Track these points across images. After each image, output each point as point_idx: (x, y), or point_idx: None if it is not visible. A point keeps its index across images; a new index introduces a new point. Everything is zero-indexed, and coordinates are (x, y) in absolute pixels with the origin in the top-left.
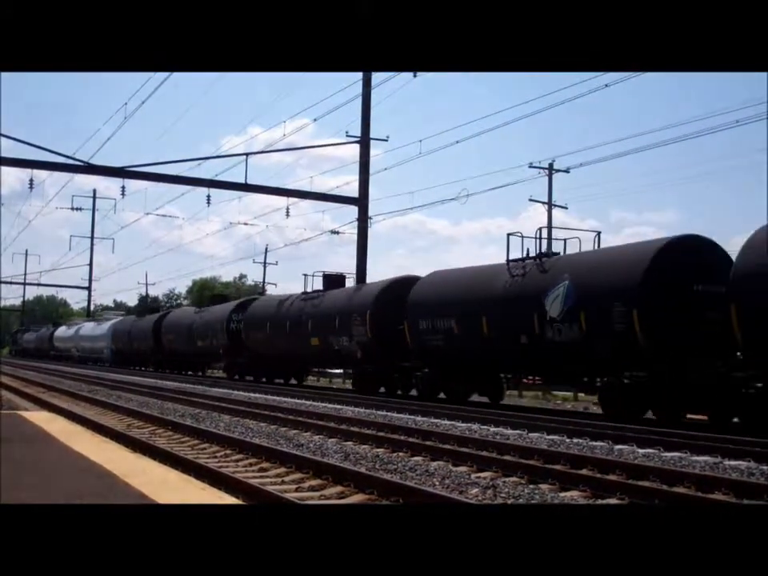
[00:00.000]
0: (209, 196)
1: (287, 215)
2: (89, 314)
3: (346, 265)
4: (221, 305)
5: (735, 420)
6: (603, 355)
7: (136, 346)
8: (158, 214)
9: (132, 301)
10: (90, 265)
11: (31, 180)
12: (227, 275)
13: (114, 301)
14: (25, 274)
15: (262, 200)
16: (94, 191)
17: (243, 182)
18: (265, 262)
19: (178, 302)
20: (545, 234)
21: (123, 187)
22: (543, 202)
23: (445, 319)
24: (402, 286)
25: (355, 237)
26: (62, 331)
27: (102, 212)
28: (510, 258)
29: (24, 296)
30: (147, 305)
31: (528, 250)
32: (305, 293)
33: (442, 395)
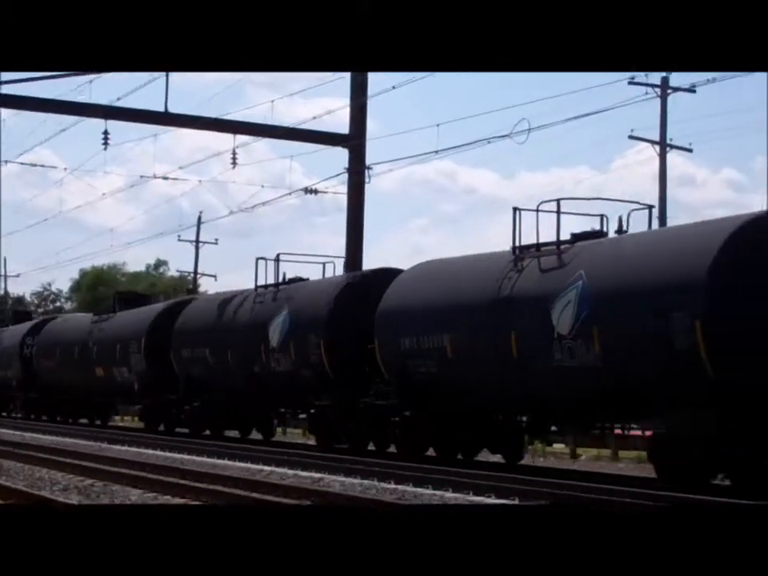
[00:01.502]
0: (106, 133)
1: (233, 164)
2: None
3: (329, 244)
4: (130, 311)
5: None
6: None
7: None
8: (22, 163)
9: None
10: None
11: None
12: (137, 261)
13: None
14: None
15: (192, 140)
16: None
17: (162, 109)
18: (197, 240)
19: (57, 303)
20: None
21: None
22: (652, 141)
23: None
24: (178, 305)
25: (343, 199)
26: None
27: None
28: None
29: None
30: (7, 309)
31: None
32: (96, 313)
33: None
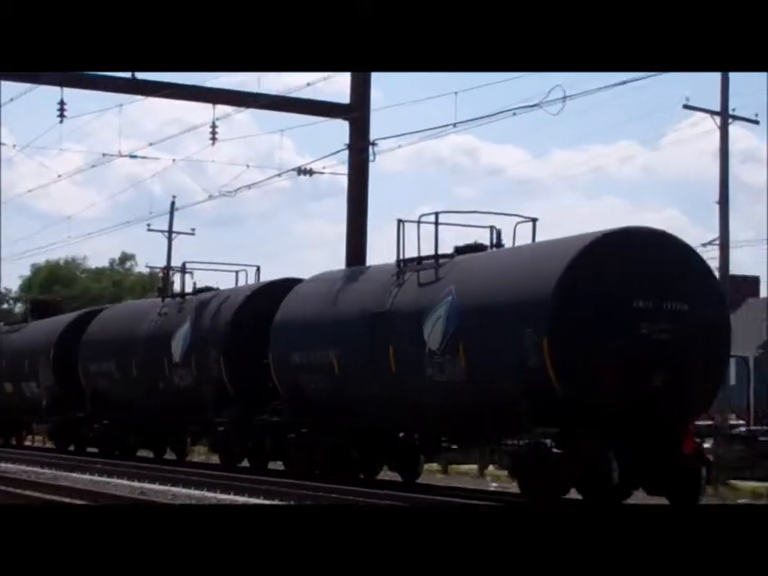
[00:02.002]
0: (62, 103)
1: (212, 140)
2: None
3: (326, 233)
4: (42, 321)
5: None
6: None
7: None
8: None
9: None
10: None
11: None
12: (99, 255)
13: None
14: None
15: (164, 112)
16: None
17: (128, 75)
18: (170, 230)
19: (4, 306)
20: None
21: None
22: (711, 112)
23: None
24: (88, 315)
25: (343, 180)
26: None
27: None
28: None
29: None
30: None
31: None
32: (7, 323)
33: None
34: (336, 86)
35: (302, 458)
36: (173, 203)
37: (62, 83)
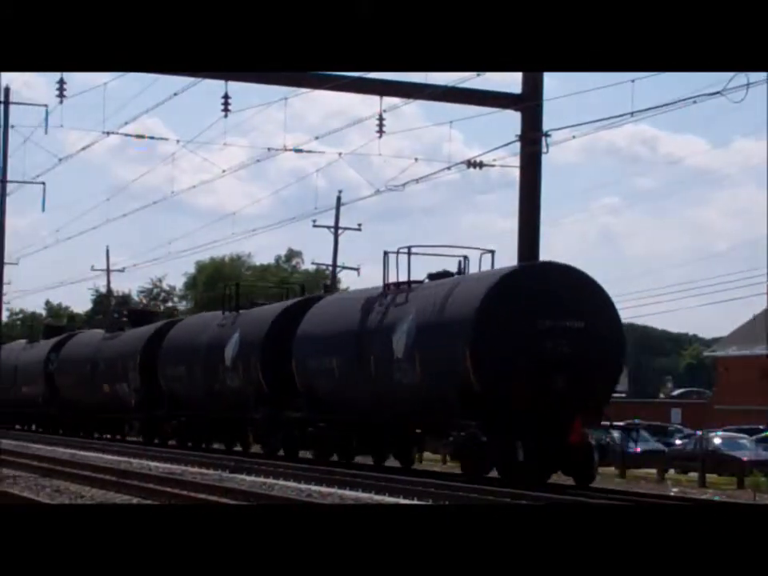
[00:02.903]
0: (226, 97)
1: (380, 132)
2: None
3: (494, 227)
4: (135, 330)
5: None
6: None
7: (24, 391)
8: (126, 134)
9: (81, 303)
10: (0, 233)
11: None
12: (265, 252)
13: (48, 303)
14: None
15: (328, 104)
16: (6, 90)
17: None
18: (336, 226)
19: (169, 304)
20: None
21: (62, 82)
22: None
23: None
24: (167, 325)
25: (514, 173)
26: None
27: (20, 130)
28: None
29: None
30: (111, 311)
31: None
32: (108, 330)
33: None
34: (506, 75)
35: (319, 447)
36: (338, 198)
37: (226, 76)
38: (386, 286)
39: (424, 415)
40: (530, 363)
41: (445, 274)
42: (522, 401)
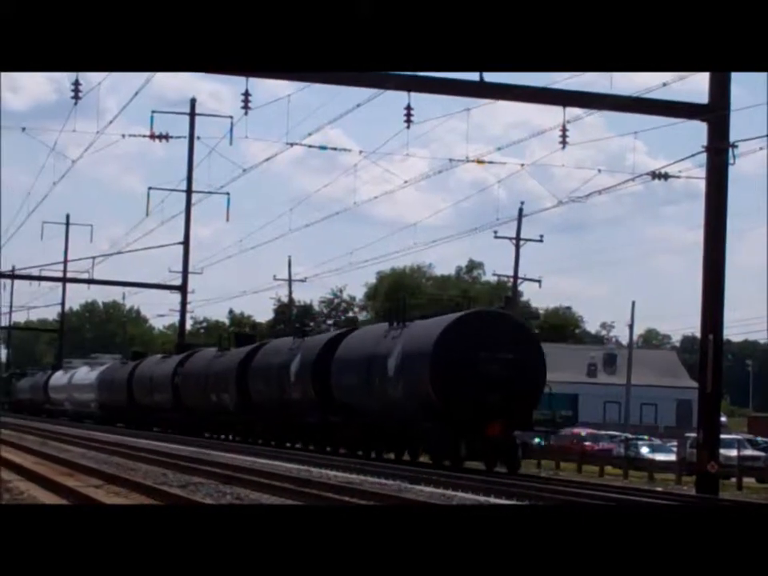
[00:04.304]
0: (408, 108)
1: (562, 143)
2: (181, 336)
3: (677, 239)
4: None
5: None
6: None
7: (156, 398)
8: (310, 146)
9: (264, 312)
10: (186, 242)
11: (76, 84)
12: (445, 263)
13: (231, 312)
14: (65, 262)
15: (509, 114)
16: (192, 101)
17: (476, 78)
18: (518, 237)
19: (349, 314)
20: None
21: (247, 94)
22: None
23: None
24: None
25: (698, 184)
26: (57, 377)
27: (206, 141)
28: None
29: (63, 302)
30: (291, 320)
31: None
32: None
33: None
34: (690, 85)
35: (353, 445)
36: (520, 209)
37: (408, 87)
38: (390, 323)
39: (405, 421)
40: (472, 384)
41: (433, 314)
42: (465, 411)
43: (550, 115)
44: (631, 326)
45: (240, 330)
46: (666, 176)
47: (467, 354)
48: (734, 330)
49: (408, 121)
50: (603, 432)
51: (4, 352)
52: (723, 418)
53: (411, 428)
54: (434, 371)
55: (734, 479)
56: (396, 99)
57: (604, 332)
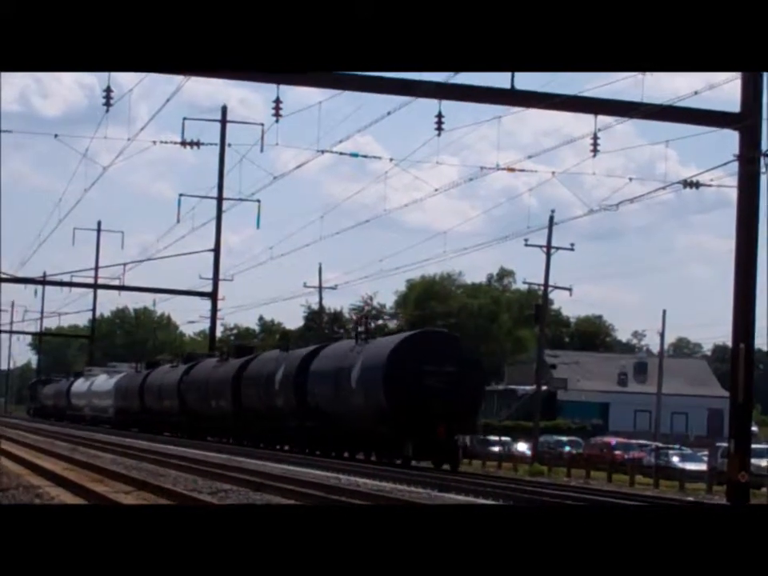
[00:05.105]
0: (440, 116)
1: (593, 151)
2: (211, 346)
3: (709, 248)
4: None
5: None
6: None
7: (163, 404)
8: (341, 153)
9: (294, 320)
10: (216, 249)
11: (108, 90)
12: (475, 271)
13: (261, 318)
14: (96, 268)
15: (539, 122)
16: (224, 108)
17: (507, 86)
18: (549, 245)
19: (380, 321)
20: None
21: (278, 101)
22: None
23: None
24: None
25: (730, 193)
26: (78, 384)
27: (236, 148)
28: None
29: (94, 309)
30: (323, 326)
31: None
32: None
33: None
34: (722, 93)
35: (325, 448)
36: (551, 217)
37: (439, 95)
38: (356, 339)
39: (364, 425)
40: (418, 393)
41: (394, 332)
42: (412, 416)
43: (581, 123)
44: (662, 335)
45: (242, 343)
46: (697, 184)
47: (414, 368)
48: (766, 339)
49: (439, 128)
50: (633, 441)
51: (35, 358)
52: (754, 428)
53: (369, 431)
54: (386, 382)
55: (764, 489)
56: (426, 107)
57: (635, 340)
